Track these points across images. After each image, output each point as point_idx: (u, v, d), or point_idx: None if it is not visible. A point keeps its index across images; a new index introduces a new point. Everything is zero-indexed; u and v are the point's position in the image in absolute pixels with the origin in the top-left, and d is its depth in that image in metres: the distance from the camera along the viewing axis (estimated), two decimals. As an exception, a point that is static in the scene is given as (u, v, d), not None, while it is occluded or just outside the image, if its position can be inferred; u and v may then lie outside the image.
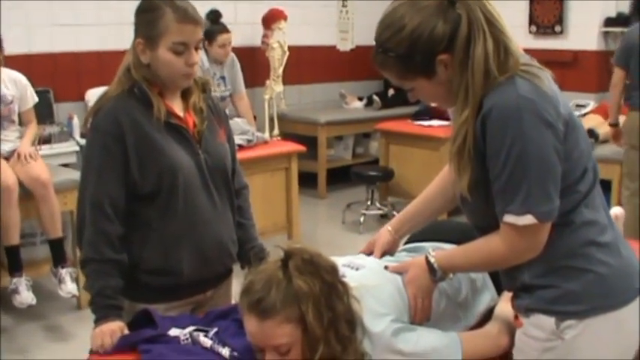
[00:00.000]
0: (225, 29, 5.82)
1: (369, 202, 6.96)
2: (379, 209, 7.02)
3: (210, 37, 5.65)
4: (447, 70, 1.83)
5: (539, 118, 1.75)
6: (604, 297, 1.87)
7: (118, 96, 2.28)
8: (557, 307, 1.88)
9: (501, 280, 2.09)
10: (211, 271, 2.46)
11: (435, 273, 2.05)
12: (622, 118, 5.62)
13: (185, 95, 2.41)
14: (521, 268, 1.91)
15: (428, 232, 2.62)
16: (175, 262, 2.33)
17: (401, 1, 1.86)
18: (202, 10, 2.33)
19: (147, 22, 2.25)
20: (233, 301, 2.58)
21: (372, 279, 2.11)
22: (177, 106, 2.38)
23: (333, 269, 1.93)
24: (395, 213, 6.79)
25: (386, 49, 1.85)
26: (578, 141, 1.87)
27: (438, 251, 2.08)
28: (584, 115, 6.64)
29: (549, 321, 1.89)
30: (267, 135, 6.20)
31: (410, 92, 1.94)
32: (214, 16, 5.79)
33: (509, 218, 1.80)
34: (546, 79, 1.83)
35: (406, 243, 2.61)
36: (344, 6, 8.93)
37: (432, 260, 2.05)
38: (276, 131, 6.78)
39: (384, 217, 7.02)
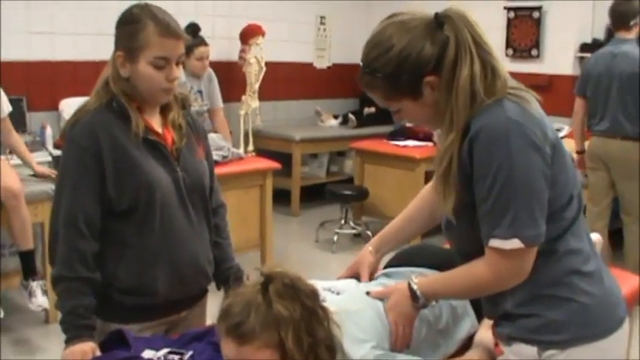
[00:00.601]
0: (203, 42, 5.79)
1: (342, 221, 6.94)
2: (353, 228, 7.00)
3: (187, 49, 5.59)
4: (433, 92, 1.82)
5: (527, 141, 1.74)
6: (587, 326, 1.85)
7: (96, 110, 2.23)
8: (540, 337, 1.87)
9: (483, 307, 2.07)
10: (187, 291, 2.40)
11: (418, 300, 2.02)
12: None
13: (164, 111, 2.36)
14: (504, 295, 1.90)
15: (406, 257, 2.59)
16: (151, 281, 2.27)
17: (389, 21, 1.86)
18: (180, 23, 2.28)
19: (128, 35, 2.21)
20: (208, 322, 2.54)
21: (353, 304, 2.08)
22: (156, 122, 2.33)
23: (313, 294, 1.89)
24: (369, 232, 6.79)
25: (373, 70, 1.84)
26: (564, 166, 1.86)
27: (420, 278, 2.05)
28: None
29: (531, 350, 1.88)
30: (241, 151, 6.16)
31: (395, 114, 1.94)
32: (193, 29, 5.75)
33: (495, 242, 1.78)
34: (534, 102, 1.84)
35: (384, 267, 2.58)
36: (322, 23, 8.95)
37: (415, 287, 2.02)
38: (250, 147, 6.76)
39: (358, 237, 7.01)
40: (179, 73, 2.27)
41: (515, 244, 1.76)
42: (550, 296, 1.85)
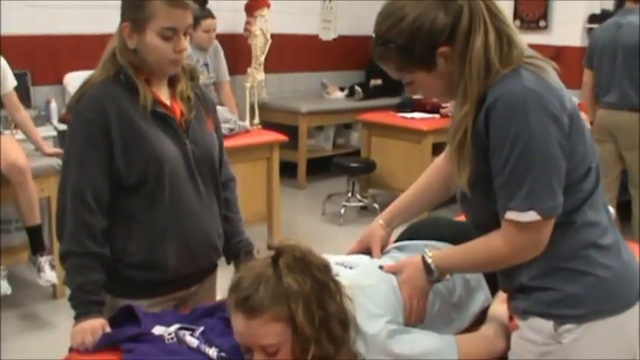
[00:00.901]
0: (210, 14, 5.74)
1: (349, 194, 6.91)
2: (360, 201, 6.98)
3: (194, 21, 5.54)
4: (447, 63, 1.79)
5: (544, 110, 1.71)
6: (604, 301, 1.82)
7: (103, 82, 2.19)
8: (556, 311, 1.83)
9: (498, 280, 2.04)
10: (197, 266, 2.38)
11: (432, 273, 2.00)
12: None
13: (172, 83, 2.32)
14: (519, 268, 1.87)
15: (417, 230, 2.56)
16: (160, 256, 2.25)
17: None
18: None
19: (134, 5, 2.16)
20: (218, 297, 2.51)
21: (366, 278, 2.05)
22: (164, 94, 2.29)
23: (325, 267, 1.86)
24: (376, 205, 6.77)
25: (386, 41, 1.80)
26: (582, 137, 1.83)
27: (434, 251, 2.03)
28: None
29: (547, 324, 1.84)
30: (247, 123, 6.11)
31: (409, 86, 1.90)
32: (200, 0, 5.69)
33: (511, 215, 1.75)
34: (552, 71, 1.80)
35: (396, 241, 2.55)
36: (328, -5, 8.87)
37: (429, 260, 2.00)
38: (256, 120, 6.70)
39: (365, 210, 6.99)
40: (187, 43, 2.22)
41: (532, 216, 1.73)
42: (567, 269, 1.83)
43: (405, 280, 2.04)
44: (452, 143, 1.83)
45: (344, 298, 1.86)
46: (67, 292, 2.18)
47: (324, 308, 1.79)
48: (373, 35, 1.84)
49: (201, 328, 1.99)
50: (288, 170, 7.39)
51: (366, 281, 2.03)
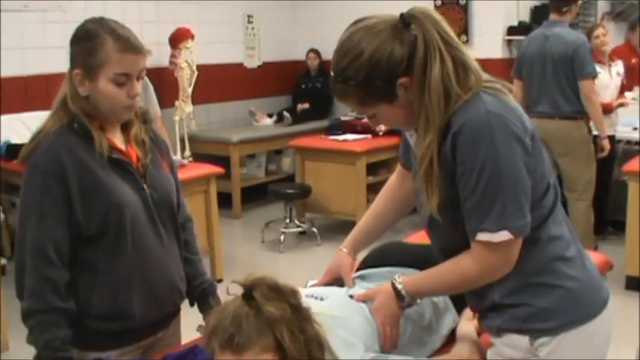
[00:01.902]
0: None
1: (287, 220, 6.89)
2: (298, 226, 6.97)
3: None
4: (407, 93, 1.81)
5: (509, 133, 1.75)
6: (575, 311, 1.88)
7: (57, 131, 2.13)
8: (530, 325, 1.87)
9: (467, 300, 2.07)
10: (162, 311, 2.33)
11: (403, 299, 2.01)
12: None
13: (126, 127, 2.27)
14: (490, 287, 1.90)
15: (378, 257, 2.57)
16: (126, 305, 2.19)
17: (355, 27, 1.84)
18: None
19: (85, 52, 2.10)
20: (183, 340, 2.47)
21: (338, 308, 2.06)
22: (119, 140, 2.24)
23: (294, 292, 1.87)
24: (314, 229, 6.77)
25: (345, 78, 1.82)
26: (541, 156, 1.88)
27: (404, 277, 2.04)
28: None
29: (523, 340, 1.89)
30: (179, 157, 6.05)
31: (371, 119, 1.92)
32: None
33: (483, 236, 1.78)
34: (509, 93, 1.85)
35: (357, 269, 2.56)
36: (249, 22, 8.88)
37: (399, 287, 2.01)
38: (187, 152, 6.65)
39: (303, 234, 6.99)
40: (140, 88, 2.17)
41: (504, 235, 1.77)
42: (537, 284, 1.87)
43: (377, 307, 2.05)
44: (419, 172, 1.84)
45: (315, 323, 1.88)
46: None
47: (303, 332, 1.81)
48: (332, 73, 1.86)
49: (178, 375, 1.95)
50: (222, 200, 7.33)
51: (339, 312, 2.04)
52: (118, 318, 2.19)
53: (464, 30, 8.01)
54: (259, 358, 1.74)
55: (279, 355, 1.76)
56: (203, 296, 2.45)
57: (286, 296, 1.83)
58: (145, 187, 2.23)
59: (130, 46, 2.10)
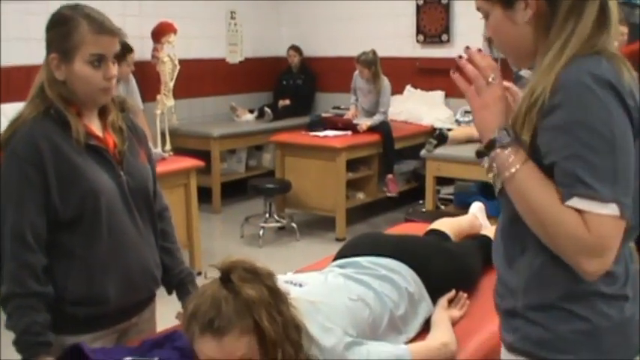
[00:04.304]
0: (132, 49, 5.73)
1: (267, 215, 6.93)
2: (277, 222, 7.01)
3: (122, 55, 5.56)
4: (525, 11, 1.61)
5: (622, 104, 1.53)
6: (596, 351, 1.66)
7: (34, 119, 2.15)
8: (543, 354, 1.69)
9: (495, 295, 1.84)
10: (137, 297, 2.37)
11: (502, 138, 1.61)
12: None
13: (103, 114, 2.30)
14: (517, 291, 1.72)
15: (357, 246, 2.62)
16: (101, 290, 2.22)
17: None
18: None
19: (61, 36, 2.14)
20: (158, 327, 2.52)
21: (316, 294, 2.10)
22: (96, 126, 2.27)
23: (270, 275, 1.93)
24: (293, 225, 6.82)
25: None
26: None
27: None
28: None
29: None
30: (160, 150, 6.07)
31: (485, 20, 1.71)
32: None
33: (585, 205, 1.51)
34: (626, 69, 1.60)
35: (335, 257, 2.61)
36: (232, 18, 8.90)
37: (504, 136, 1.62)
38: (168, 147, 6.66)
39: (282, 230, 7.03)
40: (116, 71, 2.21)
41: (613, 210, 1.51)
42: (565, 310, 1.66)
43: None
44: (520, 103, 1.61)
45: (291, 306, 1.93)
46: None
47: (281, 313, 1.87)
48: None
49: (156, 359, 1.99)
50: (202, 195, 7.35)
51: (318, 297, 2.08)
52: (93, 303, 2.22)
53: (445, 29, 8.08)
54: (239, 341, 1.79)
55: (256, 337, 1.80)
56: (182, 285, 2.48)
57: (263, 278, 1.87)
58: (122, 173, 2.26)
59: (104, 28, 2.14)
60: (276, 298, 1.88)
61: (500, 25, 1.65)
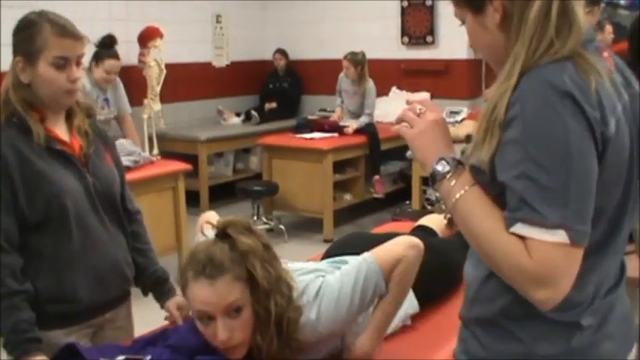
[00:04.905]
0: (114, 55, 5.72)
1: (254, 218, 6.96)
2: (265, 224, 7.03)
3: (97, 59, 5.57)
4: (495, 15, 1.54)
5: (580, 114, 1.41)
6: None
7: None
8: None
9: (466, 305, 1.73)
10: (108, 294, 2.42)
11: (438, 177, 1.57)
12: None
13: (69, 118, 2.37)
14: (468, 299, 1.68)
15: (343, 245, 2.66)
16: (71, 289, 2.28)
17: None
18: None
19: (25, 39, 2.22)
20: (136, 325, 2.60)
21: (297, 266, 2.22)
22: (62, 130, 2.33)
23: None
24: (282, 227, 6.85)
25: None
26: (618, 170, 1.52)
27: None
28: (461, 121, 6.89)
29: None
30: (147, 154, 6.09)
31: (464, 25, 1.68)
32: (109, 40, 5.70)
33: (526, 231, 1.40)
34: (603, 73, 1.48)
35: (322, 258, 2.64)
36: (218, 22, 8.94)
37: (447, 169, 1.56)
38: (155, 150, 6.68)
39: (271, 232, 7.05)
40: (80, 73, 2.28)
41: (560, 237, 1.39)
42: (503, 328, 1.58)
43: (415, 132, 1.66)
44: (484, 112, 1.53)
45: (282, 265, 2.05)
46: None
47: (274, 267, 1.97)
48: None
49: (149, 357, 2.03)
50: (190, 198, 7.37)
51: (296, 266, 2.19)
52: (64, 300, 2.28)
53: (429, 31, 8.14)
54: (232, 285, 1.88)
55: (251, 286, 1.91)
56: (157, 284, 2.55)
57: (257, 234, 1.99)
58: (88, 175, 2.32)
59: (66, 31, 2.22)
60: (270, 254, 1.99)
61: (474, 31, 1.62)
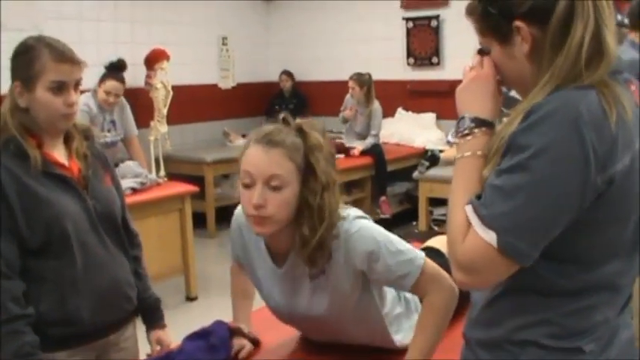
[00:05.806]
0: (116, 77, 5.75)
1: (261, 239, 6.91)
2: (272, 245, 6.99)
3: (101, 80, 5.61)
4: (523, 45, 1.51)
5: (581, 147, 1.39)
6: None
7: None
8: None
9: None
10: (111, 316, 2.41)
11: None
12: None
13: (67, 141, 2.37)
14: (471, 319, 1.67)
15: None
16: (74, 311, 2.27)
17: None
18: (82, 51, 2.33)
19: (23, 64, 2.23)
20: (140, 348, 2.58)
21: None
22: (60, 154, 2.34)
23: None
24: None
25: None
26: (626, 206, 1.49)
27: None
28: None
29: None
30: (154, 176, 6.10)
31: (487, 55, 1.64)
32: (119, 64, 5.75)
33: (473, 220, 1.46)
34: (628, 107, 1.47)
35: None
36: (224, 44, 8.98)
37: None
38: (162, 172, 6.70)
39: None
40: (77, 98, 2.29)
41: (489, 238, 1.43)
42: (508, 351, 1.57)
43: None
44: (498, 128, 1.56)
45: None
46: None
47: (333, 172, 2.05)
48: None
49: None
50: (196, 220, 7.37)
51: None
52: (68, 323, 2.27)
53: (435, 52, 8.17)
54: (282, 161, 1.95)
55: (300, 177, 1.98)
56: (149, 309, 2.58)
57: (329, 140, 2.09)
58: (87, 198, 2.32)
59: (64, 56, 2.23)
60: (333, 160, 2.07)
61: (501, 61, 1.59)
